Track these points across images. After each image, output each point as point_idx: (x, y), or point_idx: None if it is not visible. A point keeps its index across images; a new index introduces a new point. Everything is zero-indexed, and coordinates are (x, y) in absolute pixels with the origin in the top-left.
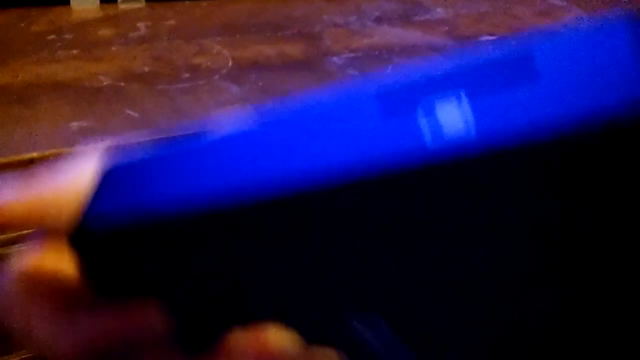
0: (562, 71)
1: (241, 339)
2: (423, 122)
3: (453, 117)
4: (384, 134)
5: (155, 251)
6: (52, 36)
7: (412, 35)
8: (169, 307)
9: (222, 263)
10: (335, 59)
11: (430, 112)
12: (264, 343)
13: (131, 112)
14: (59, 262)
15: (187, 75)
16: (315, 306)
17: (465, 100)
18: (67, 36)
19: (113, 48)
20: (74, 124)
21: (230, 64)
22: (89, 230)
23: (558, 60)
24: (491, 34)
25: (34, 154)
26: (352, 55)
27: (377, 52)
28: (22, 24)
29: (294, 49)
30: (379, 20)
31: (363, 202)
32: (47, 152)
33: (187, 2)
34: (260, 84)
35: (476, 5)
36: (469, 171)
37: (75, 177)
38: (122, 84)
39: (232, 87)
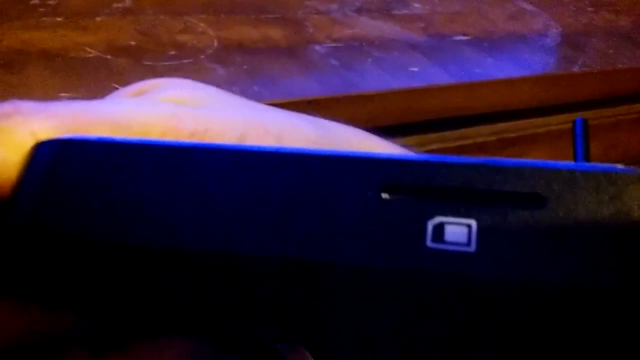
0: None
1: (146, 347)
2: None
3: (457, 231)
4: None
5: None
6: (36, 1)
7: (391, 30)
8: (81, 310)
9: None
10: (317, 47)
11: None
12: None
13: (120, 87)
14: None
15: (173, 52)
16: (237, 328)
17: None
18: (51, 2)
19: (98, 18)
20: (64, 95)
21: (215, 44)
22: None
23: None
24: (464, 34)
25: None
26: (333, 45)
27: (357, 44)
28: None
29: (277, 34)
30: (359, 10)
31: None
32: None
33: None
34: (245, 67)
35: (451, 3)
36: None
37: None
38: (109, 56)
39: (217, 69)
